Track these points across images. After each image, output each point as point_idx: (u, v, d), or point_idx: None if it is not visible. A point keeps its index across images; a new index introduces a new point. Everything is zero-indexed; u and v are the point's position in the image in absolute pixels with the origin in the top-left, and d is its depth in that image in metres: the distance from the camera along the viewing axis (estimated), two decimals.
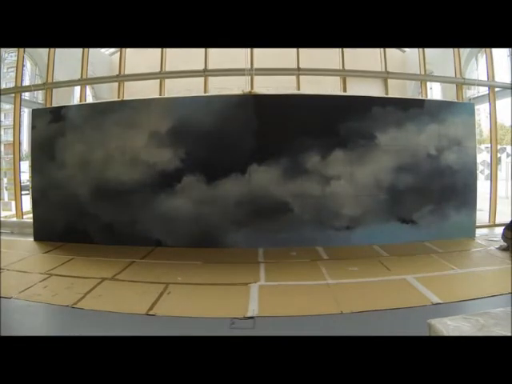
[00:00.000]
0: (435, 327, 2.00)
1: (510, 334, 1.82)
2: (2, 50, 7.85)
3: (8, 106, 8.36)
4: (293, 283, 3.99)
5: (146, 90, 7.56)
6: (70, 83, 7.94)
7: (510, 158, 11.22)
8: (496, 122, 7.12)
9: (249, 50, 6.61)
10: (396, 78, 7.79)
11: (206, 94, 6.73)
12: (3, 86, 7.81)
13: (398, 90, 8.69)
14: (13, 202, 7.61)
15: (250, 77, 6.62)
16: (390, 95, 7.10)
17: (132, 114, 5.78)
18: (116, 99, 6.91)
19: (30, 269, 4.51)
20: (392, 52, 8.08)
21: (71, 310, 3.29)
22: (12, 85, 7.61)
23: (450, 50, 7.11)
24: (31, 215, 6.37)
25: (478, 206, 6.16)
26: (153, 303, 3.41)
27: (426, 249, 5.32)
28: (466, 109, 6.17)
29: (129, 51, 7.36)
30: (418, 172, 5.76)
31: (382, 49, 7.22)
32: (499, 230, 5.70)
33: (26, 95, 8.09)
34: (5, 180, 8.78)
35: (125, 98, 6.85)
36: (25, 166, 8.63)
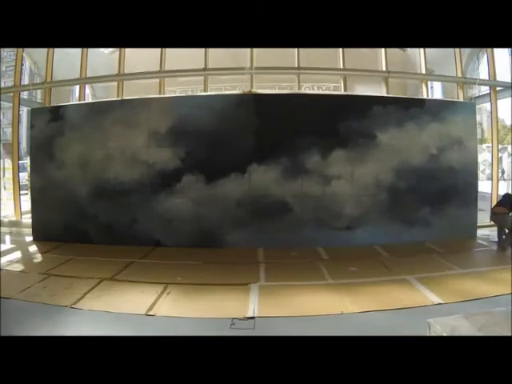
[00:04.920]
0: (435, 327, 2.00)
1: (509, 334, 1.82)
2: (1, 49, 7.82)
3: (6, 105, 8.34)
4: (293, 283, 3.98)
5: (145, 89, 7.55)
6: (69, 82, 7.92)
7: (510, 157, 11.22)
8: (497, 122, 7.10)
9: (249, 49, 6.59)
10: (397, 78, 7.76)
11: (206, 94, 6.72)
12: (2, 85, 7.80)
13: (400, 89, 8.67)
14: (11, 202, 7.59)
15: (250, 76, 6.61)
16: (390, 95, 7.07)
17: (131, 114, 5.76)
18: (115, 98, 6.90)
19: (29, 269, 4.51)
20: (393, 51, 8.04)
21: (70, 310, 3.28)
22: (11, 84, 7.59)
23: (451, 49, 7.08)
24: (30, 215, 6.35)
25: (479, 205, 6.14)
26: (152, 303, 3.40)
27: (426, 249, 5.31)
28: (467, 108, 6.16)
29: (128, 50, 7.33)
30: (418, 172, 5.74)
31: (382, 48, 7.19)
32: None
33: (25, 94, 8.07)
34: (3, 180, 8.75)
35: (124, 98, 6.83)
36: (23, 166, 8.62)
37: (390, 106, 5.72)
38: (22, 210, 7.39)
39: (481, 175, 7.79)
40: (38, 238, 6.01)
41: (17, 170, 7.42)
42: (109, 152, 5.78)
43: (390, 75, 7.18)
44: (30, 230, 6.16)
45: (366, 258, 4.87)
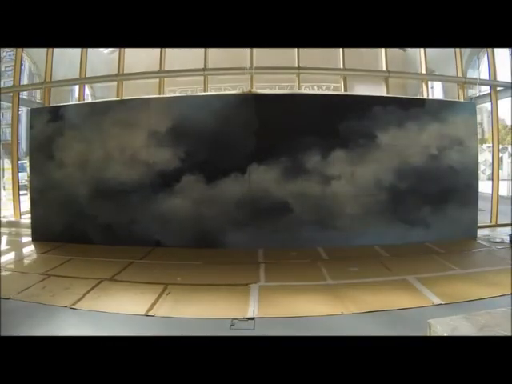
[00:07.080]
0: (435, 327, 2.00)
1: (510, 334, 1.82)
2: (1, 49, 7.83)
3: (6, 105, 8.34)
4: (293, 284, 3.97)
5: (145, 89, 7.54)
6: (69, 82, 7.91)
7: (511, 157, 11.22)
8: (498, 122, 7.09)
9: (249, 49, 6.59)
10: (397, 77, 7.76)
11: (206, 94, 6.72)
12: (1, 85, 7.80)
13: (401, 89, 8.67)
14: (11, 202, 7.59)
15: (249, 76, 6.61)
16: (391, 94, 7.07)
17: (131, 114, 5.75)
18: (115, 98, 6.89)
19: (29, 269, 4.50)
20: (393, 51, 8.04)
21: (70, 310, 3.28)
22: (10, 84, 7.59)
23: (451, 49, 7.08)
24: (29, 215, 6.35)
25: (480, 205, 6.13)
26: (152, 304, 3.40)
27: (426, 249, 5.30)
28: (468, 108, 6.15)
29: (128, 50, 7.33)
30: (418, 172, 5.74)
31: (383, 48, 7.19)
32: (501, 230, 5.65)
33: (24, 94, 8.07)
34: (3, 180, 8.76)
35: (124, 97, 6.83)
36: (23, 166, 8.61)
37: (390, 106, 5.71)
38: (22, 210, 7.39)
39: (481, 175, 7.77)
40: (37, 238, 6.00)
41: (16, 170, 7.41)
42: (108, 152, 5.77)
43: (390, 75, 7.18)
44: (30, 230, 6.16)
45: (366, 258, 4.87)
